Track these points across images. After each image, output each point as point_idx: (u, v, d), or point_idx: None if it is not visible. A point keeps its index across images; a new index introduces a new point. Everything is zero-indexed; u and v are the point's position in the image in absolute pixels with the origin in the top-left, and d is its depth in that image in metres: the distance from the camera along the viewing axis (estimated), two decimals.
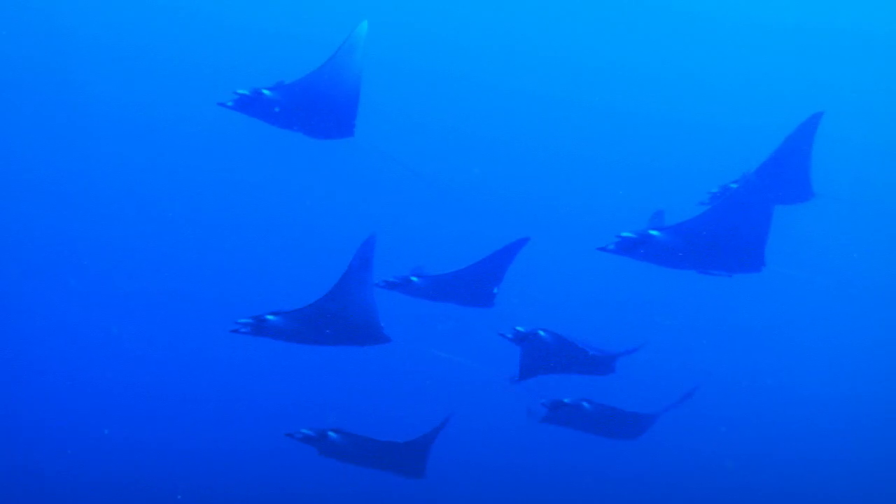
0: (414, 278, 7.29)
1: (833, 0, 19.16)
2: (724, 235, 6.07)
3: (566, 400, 6.64)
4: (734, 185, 7.14)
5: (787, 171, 7.43)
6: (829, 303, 16.09)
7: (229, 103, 6.57)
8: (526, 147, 19.25)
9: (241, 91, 6.49)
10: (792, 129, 6.96)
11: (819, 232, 15.21)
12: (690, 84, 19.84)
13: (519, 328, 6.42)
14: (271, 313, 6.08)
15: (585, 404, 6.68)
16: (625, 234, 6.13)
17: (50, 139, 17.30)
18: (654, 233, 6.13)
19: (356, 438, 6.36)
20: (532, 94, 19.63)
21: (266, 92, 6.49)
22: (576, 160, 19.09)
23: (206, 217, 17.00)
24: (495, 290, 6.91)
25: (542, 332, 6.38)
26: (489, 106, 19.55)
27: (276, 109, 6.67)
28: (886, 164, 18.24)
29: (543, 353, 6.45)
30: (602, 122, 19.52)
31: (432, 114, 19.30)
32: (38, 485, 11.32)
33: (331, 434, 6.27)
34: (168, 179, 17.40)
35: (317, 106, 6.67)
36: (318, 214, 17.56)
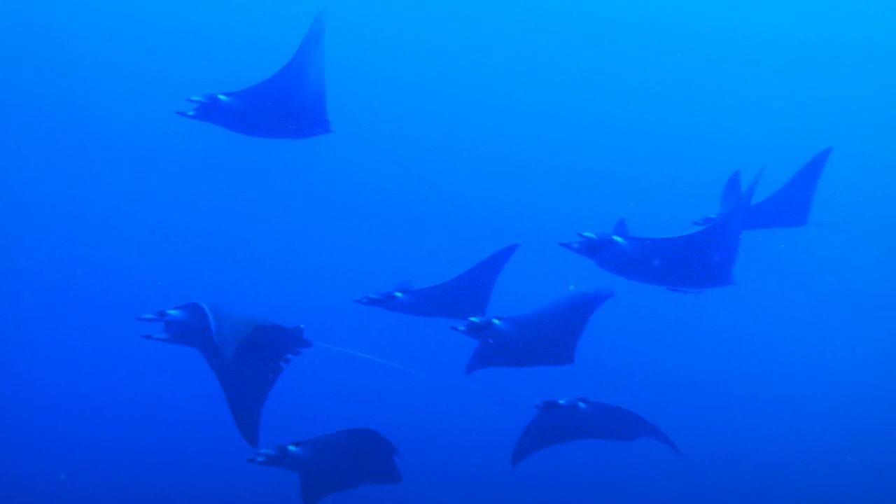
0: (398, 294, 6.89)
1: (821, 11, 19.04)
2: (693, 261, 5.95)
3: (562, 401, 6.25)
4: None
5: (781, 201, 7.61)
6: (821, 311, 15.99)
7: (189, 112, 6.15)
8: (521, 153, 19.03)
9: (195, 98, 6.05)
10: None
11: (809, 243, 15.06)
12: (681, 94, 19.68)
13: (473, 319, 6.09)
14: (174, 308, 5.62)
15: (581, 404, 6.27)
16: (586, 234, 5.98)
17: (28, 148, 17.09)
18: (617, 239, 5.96)
19: (319, 446, 5.88)
20: (520, 99, 19.52)
21: (222, 97, 6.05)
22: (570, 167, 18.88)
23: (178, 222, 16.73)
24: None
25: (497, 321, 6.06)
26: (474, 114, 19.36)
27: (246, 114, 6.26)
28: (878, 177, 18.04)
29: (501, 343, 6.17)
30: (593, 130, 19.41)
31: (414, 121, 19.06)
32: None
33: (291, 448, 5.79)
34: (151, 185, 17.13)
35: (286, 105, 6.28)
36: (310, 219, 17.28)
